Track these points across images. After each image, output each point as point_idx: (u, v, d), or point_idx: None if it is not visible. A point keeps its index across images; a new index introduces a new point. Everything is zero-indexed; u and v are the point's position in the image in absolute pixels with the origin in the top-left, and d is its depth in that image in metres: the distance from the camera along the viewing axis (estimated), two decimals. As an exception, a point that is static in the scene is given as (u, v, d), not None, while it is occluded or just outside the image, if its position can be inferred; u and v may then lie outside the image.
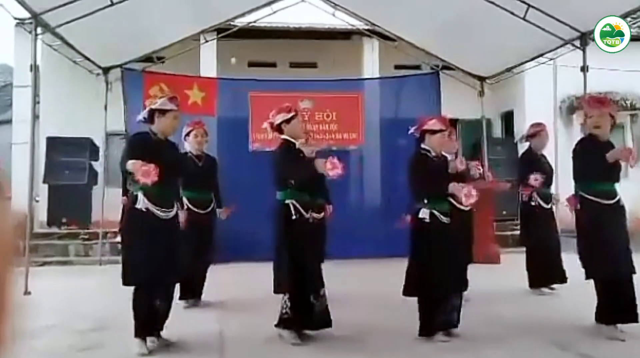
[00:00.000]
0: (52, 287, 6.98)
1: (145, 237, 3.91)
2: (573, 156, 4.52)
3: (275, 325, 4.24)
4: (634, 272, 4.33)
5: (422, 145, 4.39)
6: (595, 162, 4.33)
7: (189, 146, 5.72)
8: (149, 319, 3.97)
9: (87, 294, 6.51)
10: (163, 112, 4.13)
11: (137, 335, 3.94)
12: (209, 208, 5.69)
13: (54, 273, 8.38)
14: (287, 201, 4.19)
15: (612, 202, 4.35)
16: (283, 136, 4.36)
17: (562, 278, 6.04)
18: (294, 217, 4.15)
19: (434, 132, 4.36)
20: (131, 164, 3.74)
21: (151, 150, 3.98)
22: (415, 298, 4.28)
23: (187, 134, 5.70)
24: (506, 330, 4.56)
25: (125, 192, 4.28)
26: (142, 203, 3.89)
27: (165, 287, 4.12)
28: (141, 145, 4.06)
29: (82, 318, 5.06)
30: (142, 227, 3.92)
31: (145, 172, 3.68)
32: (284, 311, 4.20)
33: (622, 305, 4.29)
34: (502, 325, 4.75)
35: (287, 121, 4.34)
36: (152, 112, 4.13)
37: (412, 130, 4.48)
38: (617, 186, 4.46)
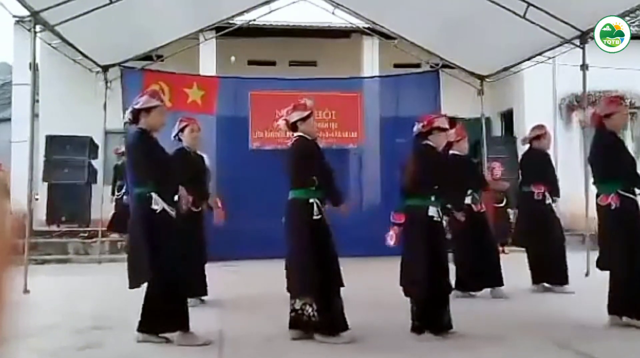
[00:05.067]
0: (51, 285, 6.98)
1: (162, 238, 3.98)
2: (605, 152, 4.55)
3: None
4: None
5: (427, 141, 4.36)
6: (627, 159, 4.49)
7: (184, 142, 5.56)
8: None
9: (86, 293, 6.50)
10: (148, 110, 4.09)
11: None
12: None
13: (53, 271, 8.38)
14: (310, 200, 4.08)
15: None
16: (298, 133, 4.26)
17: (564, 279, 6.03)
18: (317, 217, 4.06)
19: (443, 129, 4.38)
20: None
21: (155, 149, 4.08)
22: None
23: (182, 130, 5.56)
24: (506, 328, 4.56)
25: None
26: (158, 203, 3.94)
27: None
28: (149, 144, 4.09)
29: (81, 317, 5.05)
30: (157, 227, 3.94)
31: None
32: (309, 314, 4.08)
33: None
34: (501, 323, 4.75)
35: (303, 119, 4.24)
36: (137, 112, 4.10)
37: (419, 126, 4.37)
38: None
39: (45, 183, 10.90)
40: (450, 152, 5.61)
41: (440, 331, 4.19)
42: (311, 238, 4.04)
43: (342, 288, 4.12)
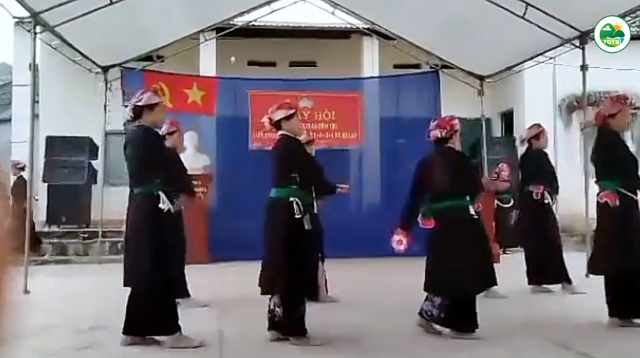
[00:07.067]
0: (51, 286, 6.98)
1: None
2: (606, 151, 4.56)
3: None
4: None
5: (449, 145, 4.44)
6: (628, 159, 4.50)
7: (169, 144, 5.50)
8: None
9: (86, 293, 6.50)
10: (151, 106, 4.10)
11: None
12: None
13: (53, 272, 8.38)
14: (290, 198, 4.05)
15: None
16: (282, 132, 4.29)
17: (565, 278, 6.03)
18: (298, 216, 4.00)
19: (457, 131, 4.48)
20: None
21: (163, 146, 4.23)
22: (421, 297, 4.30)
23: (170, 133, 5.56)
24: (506, 328, 4.56)
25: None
26: (164, 203, 3.94)
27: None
28: (156, 141, 4.18)
29: (81, 317, 5.05)
30: (161, 227, 3.95)
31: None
32: (279, 315, 4.08)
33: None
34: (502, 323, 4.74)
35: (287, 118, 4.26)
36: (139, 109, 4.08)
37: (443, 132, 4.42)
38: None
39: (46, 184, 10.90)
40: None
41: (472, 330, 4.20)
42: (288, 238, 4.02)
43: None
